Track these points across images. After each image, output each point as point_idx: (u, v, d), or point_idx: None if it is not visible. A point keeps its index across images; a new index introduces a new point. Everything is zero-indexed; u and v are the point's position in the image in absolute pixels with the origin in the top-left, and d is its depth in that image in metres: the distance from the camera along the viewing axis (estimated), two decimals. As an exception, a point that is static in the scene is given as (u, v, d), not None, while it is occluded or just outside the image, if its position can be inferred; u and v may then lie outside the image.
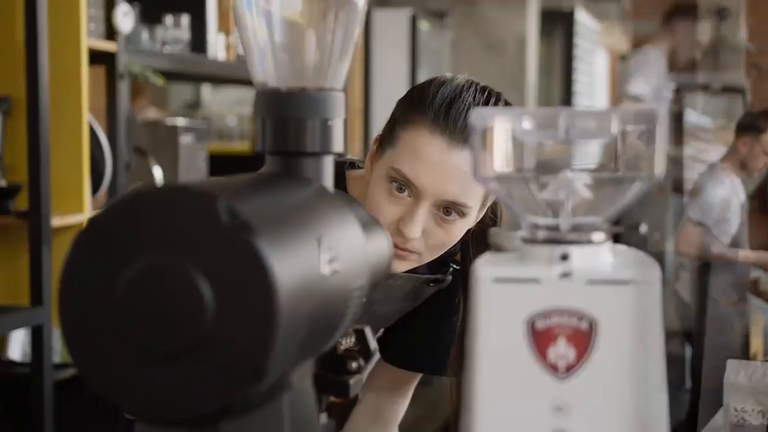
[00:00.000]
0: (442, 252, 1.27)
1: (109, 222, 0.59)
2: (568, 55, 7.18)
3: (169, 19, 2.95)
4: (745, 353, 4.22)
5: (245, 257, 0.56)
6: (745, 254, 4.38)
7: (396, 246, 1.22)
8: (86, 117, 2.42)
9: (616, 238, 0.72)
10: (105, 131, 2.56)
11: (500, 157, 0.67)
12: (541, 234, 0.67)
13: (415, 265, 1.28)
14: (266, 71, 0.77)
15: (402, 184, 1.21)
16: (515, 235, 0.70)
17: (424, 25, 5.05)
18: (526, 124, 0.66)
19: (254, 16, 0.76)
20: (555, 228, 0.67)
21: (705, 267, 4.36)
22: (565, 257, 0.65)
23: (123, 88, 2.57)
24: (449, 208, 1.22)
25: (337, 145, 0.77)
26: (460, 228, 1.25)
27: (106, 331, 0.59)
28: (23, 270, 2.30)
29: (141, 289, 0.58)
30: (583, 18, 7.35)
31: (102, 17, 2.54)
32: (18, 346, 2.60)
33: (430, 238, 1.23)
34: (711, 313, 4.27)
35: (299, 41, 0.76)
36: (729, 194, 4.27)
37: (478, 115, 0.67)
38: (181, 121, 3.08)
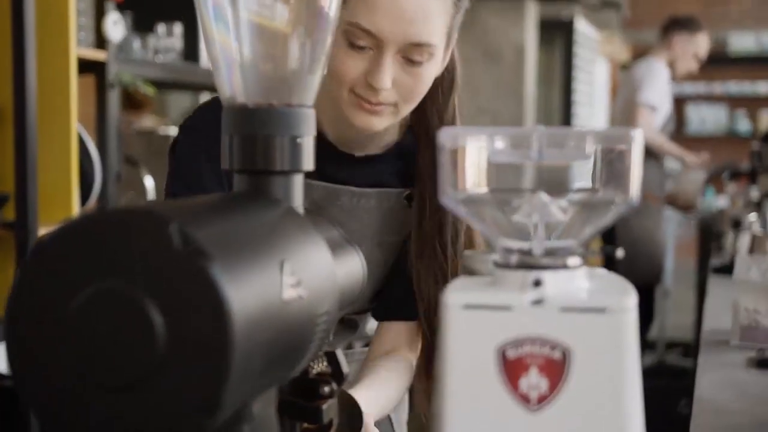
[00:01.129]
0: (417, 101, 1.23)
1: (59, 245, 0.57)
2: (567, 64, 7.16)
3: (161, 27, 2.92)
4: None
5: (198, 284, 0.54)
6: (671, 146, 4.45)
7: (369, 102, 1.20)
8: (75, 126, 2.39)
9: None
10: (95, 141, 2.53)
11: (471, 178, 0.65)
12: (514, 258, 0.64)
13: (393, 120, 1.24)
14: (233, 86, 0.74)
15: (361, 37, 1.16)
16: (488, 258, 0.68)
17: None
18: (499, 144, 0.63)
19: (221, 29, 0.74)
20: (528, 252, 0.65)
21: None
22: (537, 283, 0.62)
23: (113, 97, 2.54)
24: (414, 52, 1.17)
25: (307, 163, 0.74)
26: (428, 71, 1.21)
27: (54, 358, 0.56)
28: (9, 281, 2.27)
29: (91, 316, 0.55)
30: (582, 27, 7.33)
31: (92, 26, 2.52)
32: (4, 358, 2.58)
33: (401, 87, 1.19)
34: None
35: (267, 55, 0.74)
36: (665, 80, 4.37)
37: (447, 135, 0.64)
38: (174, 130, 3.06)
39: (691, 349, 5.01)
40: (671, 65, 4.46)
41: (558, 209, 0.64)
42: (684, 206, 4.72)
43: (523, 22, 5.46)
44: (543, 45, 7.08)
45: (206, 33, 0.75)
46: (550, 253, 0.64)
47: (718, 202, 8.27)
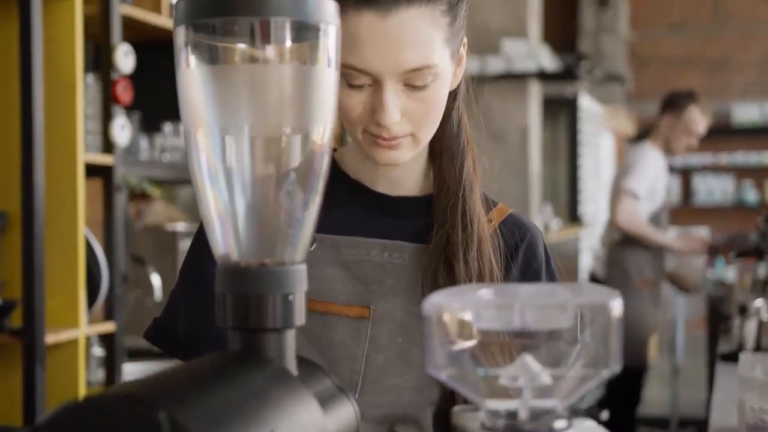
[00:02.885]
0: (435, 124, 1.16)
1: None
2: (572, 140, 7.22)
3: (168, 126, 2.97)
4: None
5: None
6: (655, 235, 4.32)
7: (382, 138, 1.13)
8: (82, 231, 2.42)
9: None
10: (102, 242, 2.56)
11: (457, 344, 0.66)
12: (500, 423, 0.65)
13: (415, 150, 1.17)
14: (227, 245, 0.76)
15: (356, 76, 1.11)
16: (477, 416, 0.69)
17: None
18: (482, 314, 0.65)
19: (214, 190, 0.76)
20: (514, 414, 0.66)
21: (624, 242, 4.34)
22: (523, 451, 0.63)
23: (120, 200, 2.58)
24: (415, 77, 1.11)
25: (299, 318, 0.76)
26: (438, 92, 1.14)
27: None
28: (16, 389, 2.28)
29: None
30: (586, 103, 7.40)
31: (99, 130, 2.56)
32: None
33: (412, 115, 1.13)
34: (624, 290, 4.22)
35: (260, 216, 0.76)
36: (658, 169, 4.35)
37: (431, 304, 0.66)
38: (181, 226, 3.09)
39: (704, 426, 4.96)
40: (667, 146, 4.48)
41: (544, 372, 0.66)
42: (685, 288, 4.69)
43: (527, 103, 5.52)
44: (547, 122, 7.15)
45: (199, 192, 0.77)
46: (535, 417, 0.65)
47: (728, 273, 8.25)
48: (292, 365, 0.75)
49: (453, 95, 1.25)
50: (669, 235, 4.57)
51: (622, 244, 4.35)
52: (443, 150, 1.27)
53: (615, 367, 0.65)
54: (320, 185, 0.78)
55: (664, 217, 4.58)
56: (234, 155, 0.75)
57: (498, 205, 1.29)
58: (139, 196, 3.52)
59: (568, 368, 0.65)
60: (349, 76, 1.11)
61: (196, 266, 1.29)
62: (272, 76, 0.75)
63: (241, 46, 0.77)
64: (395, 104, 1.11)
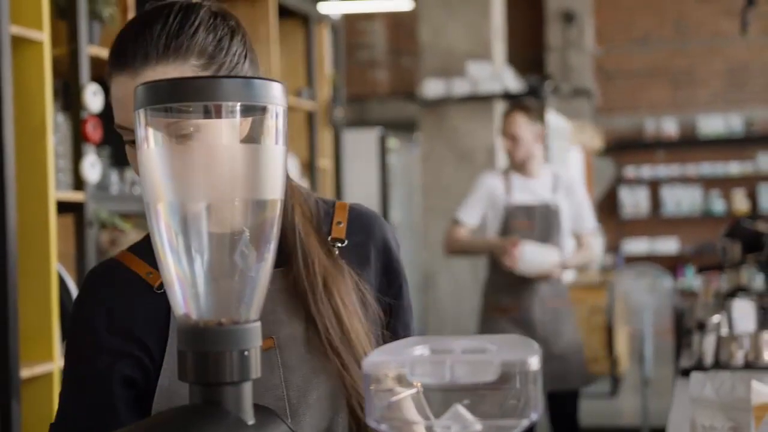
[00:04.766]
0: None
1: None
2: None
3: (137, 160, 3.03)
4: None
5: None
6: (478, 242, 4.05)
7: None
8: (55, 267, 2.48)
9: None
10: (74, 277, 2.62)
11: (393, 399, 0.73)
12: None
13: None
14: (187, 305, 0.83)
15: (126, 134, 1.15)
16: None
17: (392, 143, 5.17)
18: (416, 371, 0.72)
19: (173, 257, 0.83)
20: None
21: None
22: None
23: (91, 235, 2.64)
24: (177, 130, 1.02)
25: (255, 371, 0.83)
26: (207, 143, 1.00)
27: None
28: (-8, 423, 2.32)
29: None
30: (553, 120, 7.50)
31: (70, 168, 2.62)
32: None
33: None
34: (480, 315, 4.13)
35: (215, 278, 0.83)
36: (481, 194, 4.05)
37: (370, 363, 0.73)
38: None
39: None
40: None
41: (474, 420, 0.73)
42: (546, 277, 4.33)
43: (493, 124, 5.62)
44: (515, 139, 7.24)
45: (160, 258, 0.84)
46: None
47: (696, 283, 8.36)
48: (248, 415, 0.82)
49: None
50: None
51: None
52: None
53: (534, 416, 0.72)
54: (272, 246, 0.85)
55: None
56: (191, 224, 0.82)
57: (336, 203, 1.32)
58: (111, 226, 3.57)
59: (496, 418, 0.73)
60: (123, 134, 1.16)
61: (85, 357, 1.24)
62: (224, 154, 0.82)
63: (196, 127, 0.84)
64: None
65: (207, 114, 0.81)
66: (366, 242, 1.30)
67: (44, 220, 2.45)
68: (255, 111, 0.82)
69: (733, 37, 9.36)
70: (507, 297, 4.03)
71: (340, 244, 1.27)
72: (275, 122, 0.82)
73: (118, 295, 1.23)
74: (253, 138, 0.83)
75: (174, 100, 0.80)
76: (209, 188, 0.82)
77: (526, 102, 4.13)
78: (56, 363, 2.48)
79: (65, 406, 1.23)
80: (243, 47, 1.20)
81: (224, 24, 1.19)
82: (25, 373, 2.38)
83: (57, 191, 2.53)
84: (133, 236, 4.03)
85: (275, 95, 0.82)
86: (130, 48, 1.14)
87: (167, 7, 1.17)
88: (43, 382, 2.48)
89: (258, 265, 0.85)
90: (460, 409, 0.74)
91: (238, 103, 0.80)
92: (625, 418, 5.92)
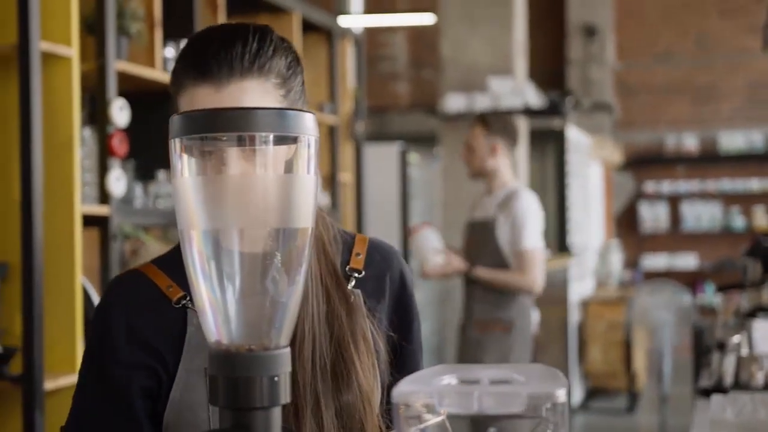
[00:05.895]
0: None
1: None
2: (560, 170, 7.31)
3: (162, 174, 3.06)
4: None
5: None
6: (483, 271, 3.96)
7: None
8: (79, 280, 2.51)
9: None
10: (98, 290, 2.64)
11: (421, 426, 0.75)
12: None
13: None
14: (219, 331, 0.85)
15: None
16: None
17: (413, 158, 5.18)
18: (445, 401, 0.74)
19: (207, 285, 0.84)
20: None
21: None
22: None
23: (115, 248, 2.66)
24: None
25: (285, 396, 0.84)
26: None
27: None
28: (17, 435, 2.35)
29: None
30: (574, 134, 7.51)
31: (96, 182, 2.65)
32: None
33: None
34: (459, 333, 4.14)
35: (249, 307, 0.84)
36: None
37: (399, 392, 0.74)
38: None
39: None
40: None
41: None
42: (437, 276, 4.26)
43: (514, 138, 5.61)
44: (535, 154, 7.25)
45: (192, 283, 0.85)
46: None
47: (716, 299, 8.32)
48: (278, 440, 0.84)
49: None
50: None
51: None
52: None
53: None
54: (303, 272, 0.87)
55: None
56: (224, 251, 0.84)
57: (357, 236, 1.33)
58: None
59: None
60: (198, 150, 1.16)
61: (102, 377, 1.24)
62: (257, 184, 0.84)
63: (230, 156, 0.86)
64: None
65: (241, 144, 0.83)
66: (383, 275, 1.31)
67: (70, 233, 2.48)
68: (287, 141, 0.84)
69: (755, 53, 9.32)
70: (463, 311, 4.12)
71: (357, 275, 1.28)
72: (307, 152, 0.84)
73: (138, 305, 1.25)
74: (285, 167, 0.84)
75: (209, 130, 0.82)
76: (242, 216, 0.84)
77: (490, 117, 4.12)
78: (79, 375, 2.50)
79: (80, 412, 1.24)
80: (302, 75, 1.23)
81: (291, 50, 1.22)
82: (49, 384, 2.41)
83: (83, 205, 2.56)
84: (154, 247, 4.07)
85: (307, 125, 0.84)
86: (214, 61, 1.16)
87: (243, 27, 1.19)
88: (67, 394, 2.50)
89: (289, 290, 0.86)
90: (489, 437, 0.75)
91: (272, 134, 0.82)
92: (643, 436, 5.91)
